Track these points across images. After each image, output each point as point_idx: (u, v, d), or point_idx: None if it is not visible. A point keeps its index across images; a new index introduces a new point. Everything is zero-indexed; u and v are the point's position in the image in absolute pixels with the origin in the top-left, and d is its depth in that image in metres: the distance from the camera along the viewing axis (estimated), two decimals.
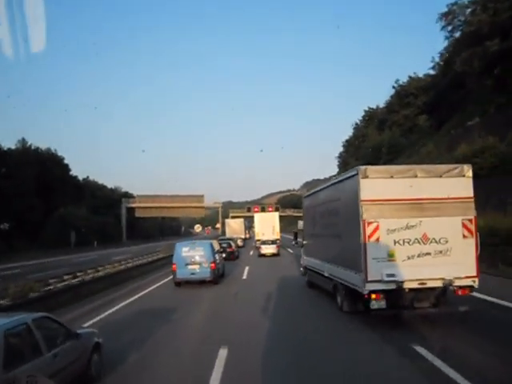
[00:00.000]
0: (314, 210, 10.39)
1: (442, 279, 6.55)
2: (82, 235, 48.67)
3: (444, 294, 6.87)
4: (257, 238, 30.29)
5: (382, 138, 45.37)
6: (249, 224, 51.09)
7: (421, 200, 6.68)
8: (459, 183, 6.79)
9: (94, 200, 62.12)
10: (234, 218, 53.19)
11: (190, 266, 12.63)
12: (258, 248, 25.77)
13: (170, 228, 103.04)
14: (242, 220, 43.27)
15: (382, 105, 56.52)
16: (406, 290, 6.58)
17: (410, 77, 48.79)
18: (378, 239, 6.58)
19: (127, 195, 73.05)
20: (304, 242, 12.27)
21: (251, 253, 28.02)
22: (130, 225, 67.72)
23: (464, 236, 6.69)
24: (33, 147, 53.18)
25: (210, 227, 76.90)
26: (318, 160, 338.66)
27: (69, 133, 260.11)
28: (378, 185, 6.70)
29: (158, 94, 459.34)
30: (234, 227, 40.35)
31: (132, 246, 46.15)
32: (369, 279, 6.54)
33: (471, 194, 6.81)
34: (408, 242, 6.60)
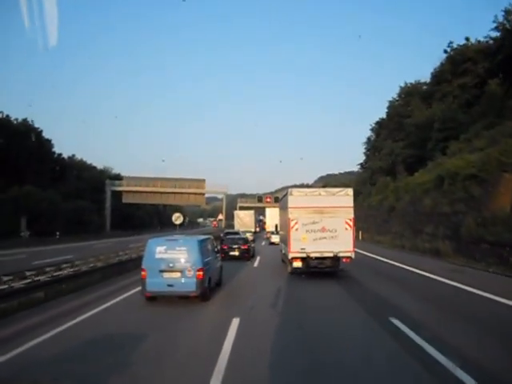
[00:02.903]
0: (280, 211, 21.61)
1: (332, 252, 17.28)
2: (46, 223, 51.55)
3: (335, 260, 17.56)
4: (267, 229, 47.91)
5: (433, 112, 50.66)
6: (257, 217, 62.47)
7: (322, 207, 17.36)
8: (344, 198, 17.46)
9: (80, 182, 72.44)
10: (242, 209, 64.48)
11: (166, 274, 12.21)
12: (269, 238, 43.34)
13: (170, 218, 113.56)
14: (252, 212, 54.46)
15: (423, 79, 63.23)
16: (313, 258, 17.39)
17: (466, 39, 56.06)
18: (297, 229, 17.39)
19: (117, 177, 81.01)
20: (280, 233, 23.47)
21: (256, 263, 25.50)
22: (119, 212, 76.47)
23: (346, 229, 17.34)
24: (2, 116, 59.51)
25: (216, 219, 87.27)
26: (334, 155, 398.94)
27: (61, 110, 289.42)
28: (298, 199, 17.53)
29: (169, 72, 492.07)
30: (244, 219, 51.08)
31: (111, 239, 50.28)
32: (291, 251, 17.44)
33: (351, 205, 17.46)
34: (314, 231, 17.32)
